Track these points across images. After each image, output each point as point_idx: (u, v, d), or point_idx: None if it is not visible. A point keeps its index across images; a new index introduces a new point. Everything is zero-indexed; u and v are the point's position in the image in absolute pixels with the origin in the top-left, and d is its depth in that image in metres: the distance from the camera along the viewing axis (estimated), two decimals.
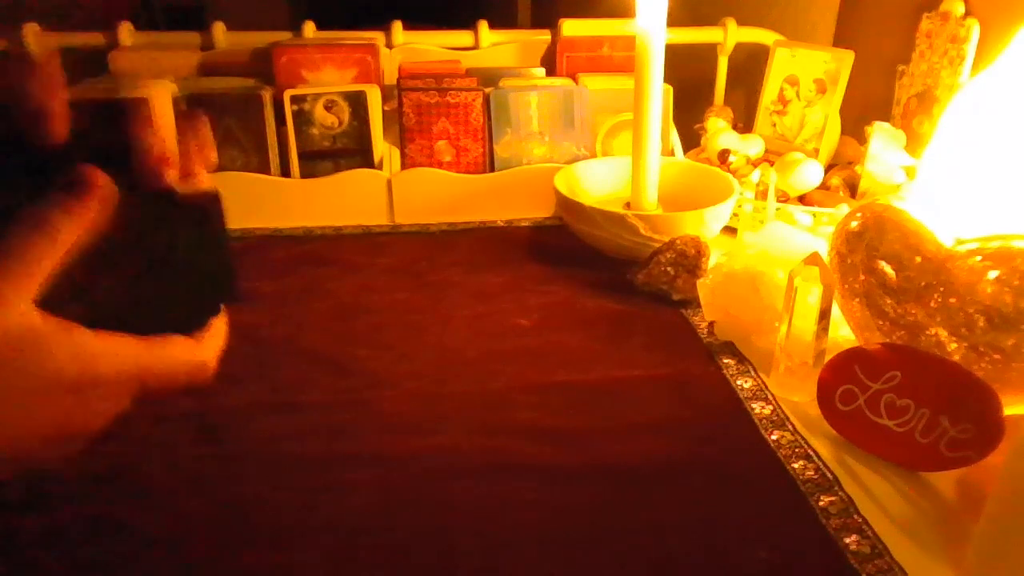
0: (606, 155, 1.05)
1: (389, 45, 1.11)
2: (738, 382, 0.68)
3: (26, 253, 0.30)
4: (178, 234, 0.35)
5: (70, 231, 0.31)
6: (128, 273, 0.34)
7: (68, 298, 0.31)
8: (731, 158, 1.04)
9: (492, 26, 1.14)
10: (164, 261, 0.35)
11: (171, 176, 0.35)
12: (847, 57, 1.03)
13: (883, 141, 0.94)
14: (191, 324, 0.36)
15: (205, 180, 0.37)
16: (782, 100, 1.10)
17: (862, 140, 0.99)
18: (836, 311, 0.66)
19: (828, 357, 0.61)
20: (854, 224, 0.66)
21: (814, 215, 0.92)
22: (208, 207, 0.37)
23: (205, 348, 0.36)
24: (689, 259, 0.80)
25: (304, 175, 1.00)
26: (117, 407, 0.33)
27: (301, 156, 1.00)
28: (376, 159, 1.02)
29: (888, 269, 0.63)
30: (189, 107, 0.97)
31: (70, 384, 0.31)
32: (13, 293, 0.29)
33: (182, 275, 0.36)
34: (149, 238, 0.34)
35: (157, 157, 0.34)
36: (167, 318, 0.35)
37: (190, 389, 0.36)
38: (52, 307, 0.31)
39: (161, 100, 0.95)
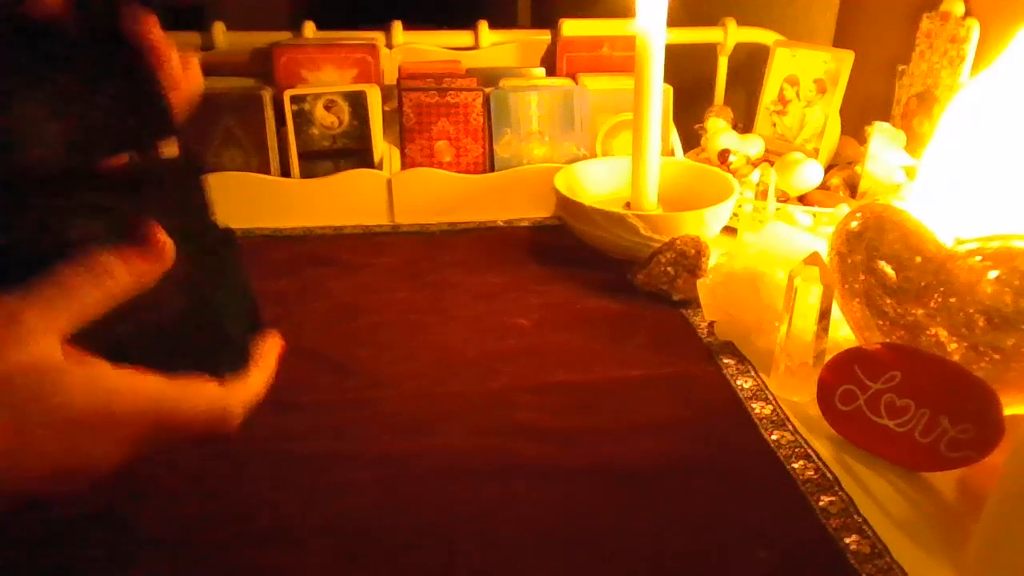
0: (606, 155, 1.05)
1: (389, 45, 1.11)
2: (738, 382, 0.68)
3: (70, 288, 0.29)
4: (216, 269, 0.34)
5: (124, 283, 0.30)
6: (162, 308, 0.32)
7: (98, 328, 0.30)
8: (731, 158, 1.04)
9: (492, 26, 1.14)
10: (199, 297, 0.33)
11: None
12: (847, 57, 1.03)
13: (883, 141, 0.94)
14: (220, 364, 0.34)
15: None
16: (782, 100, 1.10)
17: (862, 140, 0.99)
18: (836, 311, 0.66)
19: (828, 357, 0.61)
20: (854, 224, 0.66)
21: (814, 215, 0.92)
22: (230, 237, 0.36)
23: (233, 395, 0.34)
24: (689, 259, 0.80)
25: (304, 175, 1.00)
26: (128, 450, 0.31)
27: (301, 156, 1.00)
28: (376, 159, 1.02)
29: (888, 269, 0.63)
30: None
31: (80, 419, 0.29)
32: (41, 323, 0.28)
33: (213, 310, 0.34)
34: (191, 276, 0.33)
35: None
36: (195, 355, 0.33)
37: (207, 439, 0.33)
38: (78, 335, 0.29)
39: None
